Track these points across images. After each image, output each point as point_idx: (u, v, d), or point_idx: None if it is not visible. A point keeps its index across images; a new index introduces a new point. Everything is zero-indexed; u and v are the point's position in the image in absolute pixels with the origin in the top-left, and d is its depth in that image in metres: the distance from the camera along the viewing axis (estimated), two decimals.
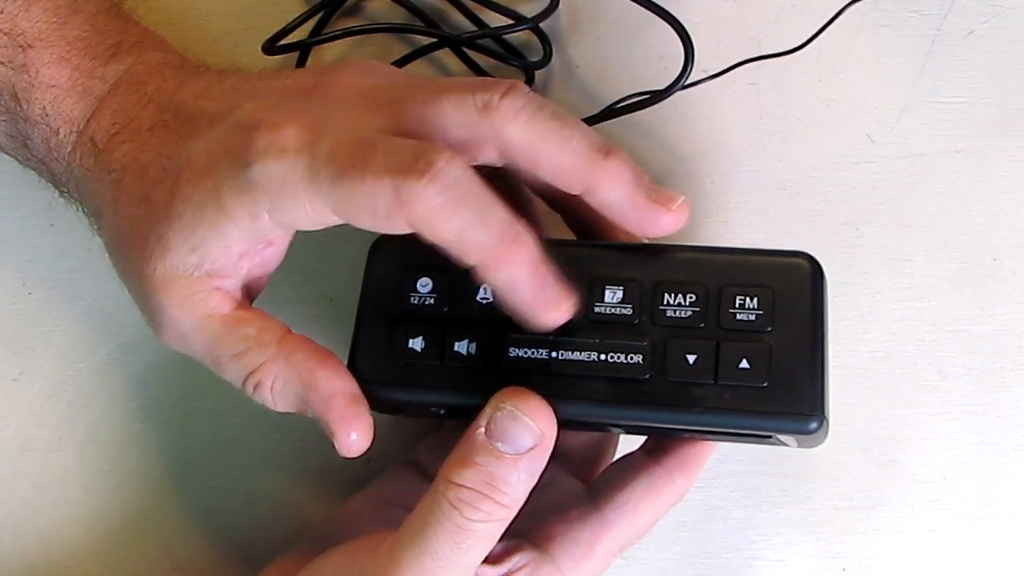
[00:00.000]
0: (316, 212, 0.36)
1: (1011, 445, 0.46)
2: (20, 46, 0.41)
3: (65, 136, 0.42)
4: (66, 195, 0.44)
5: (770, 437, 0.38)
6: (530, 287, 0.36)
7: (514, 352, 0.38)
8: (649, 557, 0.46)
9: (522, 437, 0.36)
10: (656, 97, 0.46)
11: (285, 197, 0.36)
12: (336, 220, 0.36)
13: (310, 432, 0.46)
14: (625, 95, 0.48)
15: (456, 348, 0.38)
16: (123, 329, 0.48)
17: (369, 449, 0.38)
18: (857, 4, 0.48)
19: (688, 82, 0.46)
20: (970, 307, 0.47)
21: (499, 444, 0.36)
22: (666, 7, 0.46)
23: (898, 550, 0.45)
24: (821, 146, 0.49)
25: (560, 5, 0.48)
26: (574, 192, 0.38)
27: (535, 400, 0.36)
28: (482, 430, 0.36)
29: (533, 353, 0.38)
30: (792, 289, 0.37)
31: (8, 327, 0.48)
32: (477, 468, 0.36)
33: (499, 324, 0.38)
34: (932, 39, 0.49)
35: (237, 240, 0.37)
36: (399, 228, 0.35)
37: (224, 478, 0.47)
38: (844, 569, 0.45)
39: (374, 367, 0.39)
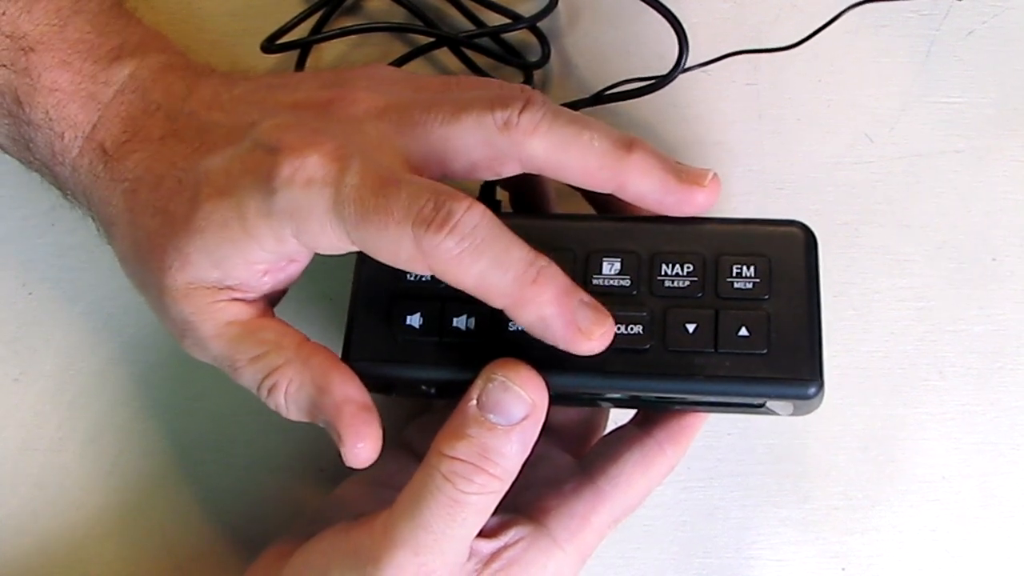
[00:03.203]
0: (340, 241, 0.36)
1: (1010, 445, 0.46)
2: (22, 49, 0.41)
3: (70, 141, 0.42)
4: (70, 198, 0.44)
5: (763, 406, 0.38)
6: (560, 322, 0.35)
7: (513, 326, 0.37)
8: (648, 556, 0.46)
9: (514, 408, 0.36)
10: (655, 85, 0.46)
11: (311, 225, 0.36)
12: (352, 248, 0.37)
13: (310, 433, 0.46)
14: (620, 84, 0.48)
15: (455, 323, 0.38)
16: (124, 329, 0.48)
17: (376, 461, 0.38)
18: (856, 4, 0.48)
19: (686, 66, 0.46)
20: (969, 307, 0.47)
21: (491, 416, 0.36)
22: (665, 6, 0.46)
23: (897, 550, 0.45)
24: (820, 146, 0.49)
25: (559, 4, 0.48)
26: (606, 191, 0.39)
27: (526, 370, 0.36)
28: (474, 402, 0.36)
29: None
30: (787, 257, 0.38)
31: (9, 327, 0.48)
32: (470, 440, 0.36)
33: None
34: (931, 39, 0.49)
35: (261, 259, 0.38)
36: (421, 272, 0.36)
37: (225, 478, 0.47)
38: (843, 569, 0.45)
39: (372, 345, 0.39)
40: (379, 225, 0.35)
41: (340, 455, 0.38)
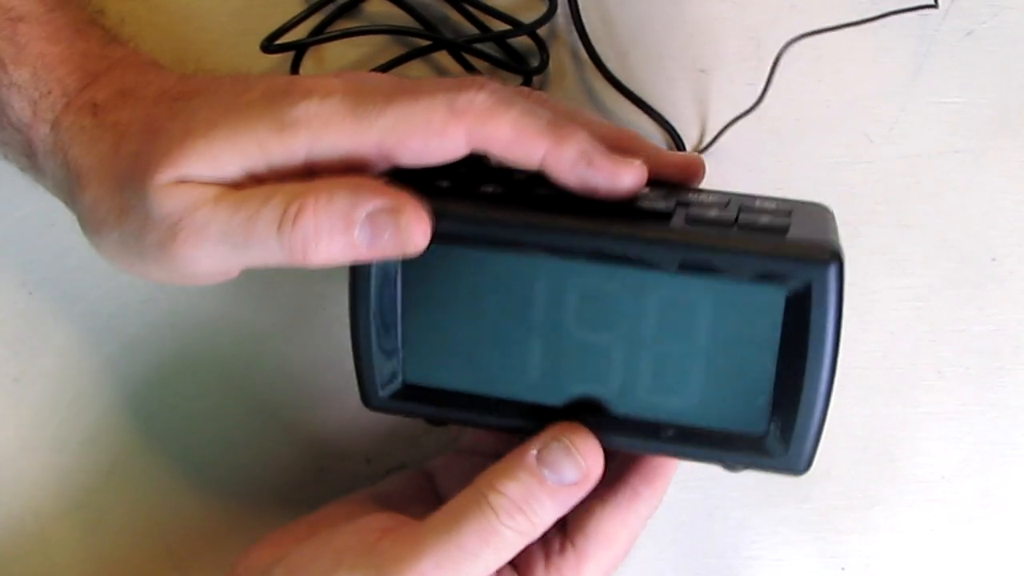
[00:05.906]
0: (359, 143, 0.37)
1: (1009, 445, 0.46)
2: (10, 19, 0.41)
3: (58, 98, 0.41)
4: (39, 164, 0.42)
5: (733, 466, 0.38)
6: (602, 152, 0.37)
7: (543, 190, 0.39)
8: (648, 557, 0.46)
9: (568, 472, 0.38)
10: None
11: (329, 131, 0.37)
12: (374, 155, 0.37)
13: (310, 432, 0.47)
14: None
15: (482, 189, 0.39)
16: (124, 329, 0.48)
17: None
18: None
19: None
20: (968, 307, 0.47)
21: (546, 471, 0.38)
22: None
23: (897, 549, 0.45)
24: (819, 146, 0.49)
25: (558, 10, 0.48)
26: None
27: (590, 439, 0.38)
28: (535, 452, 0.38)
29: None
30: (814, 211, 0.40)
31: (9, 327, 0.49)
32: (520, 484, 0.38)
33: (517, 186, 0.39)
34: (931, 39, 0.49)
35: (263, 169, 0.37)
36: (454, 142, 0.37)
37: (224, 478, 0.47)
38: (843, 568, 0.45)
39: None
40: (409, 100, 0.37)
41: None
